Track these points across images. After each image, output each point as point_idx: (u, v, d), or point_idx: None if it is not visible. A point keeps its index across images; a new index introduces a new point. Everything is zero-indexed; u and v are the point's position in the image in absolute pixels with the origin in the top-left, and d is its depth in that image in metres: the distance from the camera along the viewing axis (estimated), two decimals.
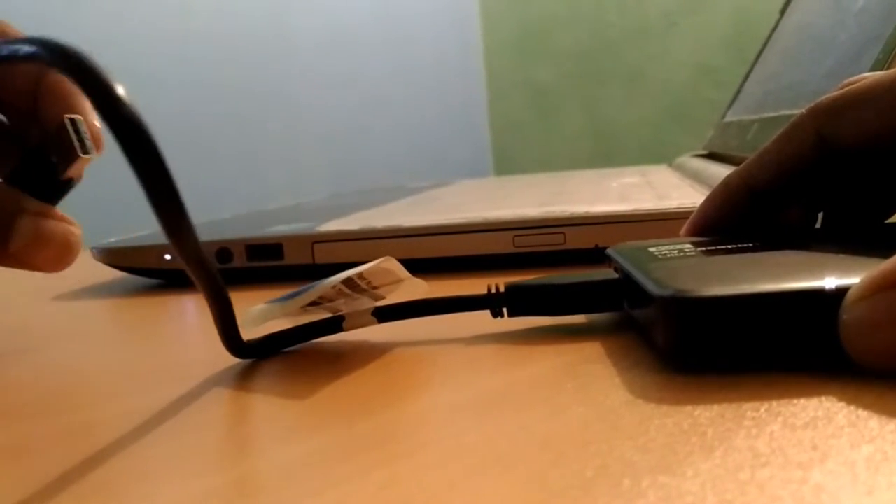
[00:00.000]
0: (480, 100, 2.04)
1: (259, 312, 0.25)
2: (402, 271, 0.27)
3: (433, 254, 0.42)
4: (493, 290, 0.26)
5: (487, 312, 0.26)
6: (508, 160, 2.03)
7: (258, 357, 0.26)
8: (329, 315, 0.27)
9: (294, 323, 0.27)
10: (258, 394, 0.23)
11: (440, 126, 1.82)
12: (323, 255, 0.43)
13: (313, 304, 0.26)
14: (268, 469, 0.17)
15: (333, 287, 0.25)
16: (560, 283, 0.26)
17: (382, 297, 0.27)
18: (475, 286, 0.28)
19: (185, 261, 0.20)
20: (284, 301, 0.25)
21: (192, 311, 0.37)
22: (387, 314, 0.27)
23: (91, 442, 0.19)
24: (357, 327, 0.27)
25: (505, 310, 0.26)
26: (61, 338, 0.33)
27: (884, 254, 0.19)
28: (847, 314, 0.18)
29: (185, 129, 1.08)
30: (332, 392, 0.22)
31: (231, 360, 0.26)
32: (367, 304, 0.27)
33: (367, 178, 1.34)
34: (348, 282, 0.25)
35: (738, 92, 0.82)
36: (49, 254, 0.30)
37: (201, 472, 0.17)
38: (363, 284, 0.26)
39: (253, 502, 0.15)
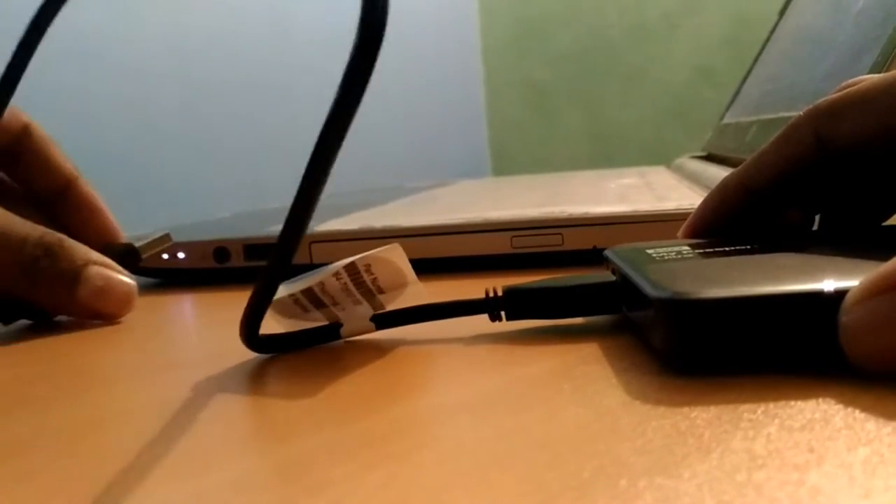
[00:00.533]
0: (478, 99, 2.04)
1: None
2: (409, 270, 0.27)
3: (431, 254, 0.42)
4: (491, 294, 0.26)
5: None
6: (506, 160, 2.02)
7: (267, 352, 0.26)
8: (327, 322, 0.27)
9: (296, 327, 0.27)
10: (257, 394, 0.23)
11: (438, 125, 1.82)
12: (321, 255, 0.43)
13: (317, 303, 0.26)
14: (266, 468, 0.17)
15: (337, 277, 0.25)
16: (558, 287, 0.26)
17: (383, 307, 0.27)
18: (473, 287, 0.28)
19: (294, 223, 0.21)
20: (288, 283, 0.25)
21: (189, 310, 0.37)
22: (385, 320, 0.27)
23: (88, 440, 0.19)
24: (356, 334, 0.27)
25: (503, 313, 0.26)
26: (57, 336, 0.33)
27: (882, 256, 0.19)
28: (846, 317, 0.18)
29: (182, 127, 1.08)
30: (331, 392, 0.22)
31: (229, 361, 0.26)
32: (367, 311, 0.27)
33: (365, 177, 1.34)
34: (354, 275, 0.25)
35: (737, 93, 0.83)
36: (112, 301, 0.34)
37: (199, 471, 0.17)
38: (368, 281, 0.26)
39: (251, 501, 0.15)
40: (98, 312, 0.34)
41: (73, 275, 0.34)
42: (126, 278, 0.35)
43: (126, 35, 0.98)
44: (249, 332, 0.25)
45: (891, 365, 0.18)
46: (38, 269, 0.34)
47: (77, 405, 0.22)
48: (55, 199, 0.38)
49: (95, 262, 0.34)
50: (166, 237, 0.39)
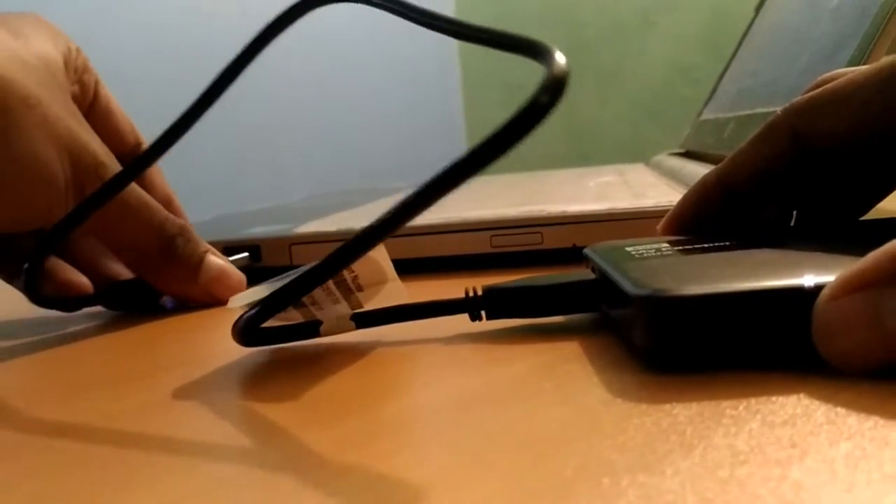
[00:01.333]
0: (456, 99, 2.04)
1: (245, 295, 0.25)
2: (390, 267, 0.27)
3: (411, 254, 0.42)
4: (472, 294, 0.26)
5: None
6: None
7: (254, 346, 0.26)
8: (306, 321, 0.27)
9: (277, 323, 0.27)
10: (238, 397, 0.23)
11: (415, 125, 1.82)
12: (301, 257, 0.42)
13: (296, 302, 0.25)
14: (250, 470, 0.17)
15: None
16: (538, 285, 0.26)
17: (360, 306, 0.27)
18: (453, 286, 0.28)
19: (368, 238, 0.21)
20: (269, 283, 0.25)
21: (169, 312, 0.37)
22: (365, 320, 0.27)
23: (70, 445, 0.19)
24: (335, 333, 0.27)
25: (483, 313, 0.26)
26: (50, 335, 0.33)
27: (859, 252, 0.19)
28: (819, 314, 0.19)
29: (159, 130, 1.07)
30: (313, 394, 0.22)
31: (211, 364, 0.26)
32: (345, 310, 0.27)
33: (343, 177, 1.34)
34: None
35: (714, 90, 0.83)
36: (228, 284, 0.37)
37: (183, 474, 0.17)
38: (349, 279, 0.26)
39: (234, 503, 0.15)
40: (214, 297, 0.37)
41: (198, 260, 0.37)
42: (234, 267, 0.38)
43: (102, 37, 0.98)
44: (253, 325, 0.24)
45: (862, 363, 0.18)
46: (173, 249, 0.36)
47: (61, 410, 0.22)
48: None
49: (213, 252, 0.38)
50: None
